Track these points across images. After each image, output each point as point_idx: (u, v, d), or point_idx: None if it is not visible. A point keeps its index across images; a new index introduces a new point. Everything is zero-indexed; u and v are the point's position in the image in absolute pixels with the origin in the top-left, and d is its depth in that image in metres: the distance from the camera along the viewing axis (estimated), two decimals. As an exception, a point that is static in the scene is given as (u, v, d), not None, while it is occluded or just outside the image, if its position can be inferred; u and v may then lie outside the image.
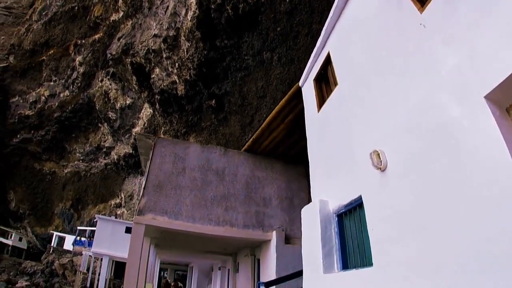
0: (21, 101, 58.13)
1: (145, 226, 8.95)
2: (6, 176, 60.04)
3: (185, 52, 23.20)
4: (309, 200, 7.35)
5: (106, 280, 27.02)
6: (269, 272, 9.93)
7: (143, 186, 9.48)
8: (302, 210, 7.29)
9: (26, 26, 61.91)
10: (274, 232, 10.25)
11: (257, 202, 10.65)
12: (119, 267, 27.25)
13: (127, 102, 37.70)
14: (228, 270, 17.16)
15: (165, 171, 9.81)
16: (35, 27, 57.15)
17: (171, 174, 9.80)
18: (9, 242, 58.57)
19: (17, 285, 33.40)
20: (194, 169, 10.16)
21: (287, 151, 11.09)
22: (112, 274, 28.24)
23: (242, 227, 10.15)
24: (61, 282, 32.39)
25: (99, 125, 45.94)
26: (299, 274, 8.32)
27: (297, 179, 11.58)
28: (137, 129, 37.40)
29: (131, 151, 39.84)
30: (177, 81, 25.62)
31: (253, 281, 12.15)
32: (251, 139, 10.43)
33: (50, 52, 53.59)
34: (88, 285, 27.18)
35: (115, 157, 43.74)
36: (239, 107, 20.30)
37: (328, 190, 6.54)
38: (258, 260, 12.00)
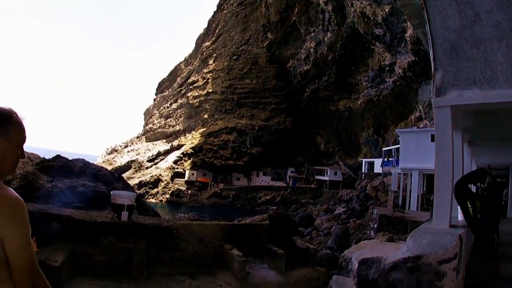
0: (296, 62, 63.30)
1: (449, 109, 6.21)
2: (309, 125, 67.17)
3: None
4: None
5: (418, 195, 25.24)
6: None
7: (431, 57, 6.74)
8: None
9: (263, 5, 67.61)
10: None
11: None
12: (430, 181, 24.76)
13: (386, 10, 34.69)
14: None
15: (452, 28, 6.75)
16: (270, 1, 60.99)
17: (462, 29, 6.65)
18: (326, 178, 65.45)
19: (335, 212, 36.48)
20: (491, 10, 6.58)
21: None
22: (424, 189, 26.10)
23: None
24: (375, 203, 32.98)
25: (371, 47, 44.42)
26: None
27: None
28: (409, 32, 34.42)
29: (413, 58, 36.98)
30: None
31: None
32: None
33: (295, 11, 55.98)
34: (400, 202, 26.08)
35: (400, 71, 41.30)
36: None
37: None
38: None
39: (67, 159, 33.69)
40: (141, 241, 5.10)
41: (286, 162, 71.35)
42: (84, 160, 34.64)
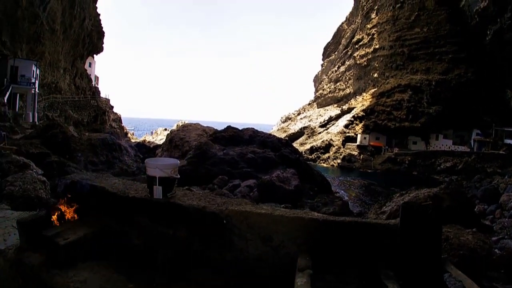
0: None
1: None
2: (497, 76, 55.21)
3: None
4: None
5: None
6: None
7: None
8: None
9: None
10: None
11: None
12: None
13: None
14: None
15: None
16: None
17: None
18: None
19: None
20: None
21: None
22: None
23: None
24: None
25: None
26: None
27: None
28: None
29: None
30: None
31: None
32: None
33: None
34: None
35: None
36: None
37: None
38: None
39: (237, 129, 35.35)
40: (180, 228, 3.47)
41: (470, 123, 60.44)
42: (253, 128, 35.91)
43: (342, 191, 36.31)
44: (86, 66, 67.09)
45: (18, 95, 37.92)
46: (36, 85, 40.33)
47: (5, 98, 30.56)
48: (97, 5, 63.60)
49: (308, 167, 30.56)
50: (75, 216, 4.08)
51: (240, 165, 27.36)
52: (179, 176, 3.71)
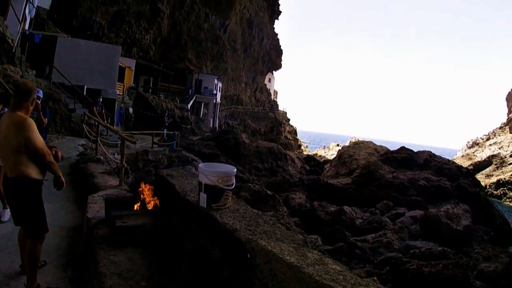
0: None
1: None
2: None
3: None
4: None
5: None
6: None
7: None
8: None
9: None
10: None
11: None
12: None
13: None
14: None
15: None
16: None
17: None
18: None
19: None
20: None
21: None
22: None
23: None
24: None
25: None
26: None
27: None
28: None
29: None
30: None
31: None
32: None
33: None
34: None
35: None
36: None
37: None
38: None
39: (411, 151, 31.74)
40: (215, 247, 2.90)
41: None
42: (430, 152, 31.74)
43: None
44: (266, 81, 71.65)
45: (202, 104, 43.07)
46: (218, 96, 45.08)
47: (189, 105, 35.23)
48: (274, 26, 67.65)
49: (488, 205, 25.29)
50: (152, 206, 4.31)
51: (409, 192, 24.54)
52: (231, 187, 3.25)
